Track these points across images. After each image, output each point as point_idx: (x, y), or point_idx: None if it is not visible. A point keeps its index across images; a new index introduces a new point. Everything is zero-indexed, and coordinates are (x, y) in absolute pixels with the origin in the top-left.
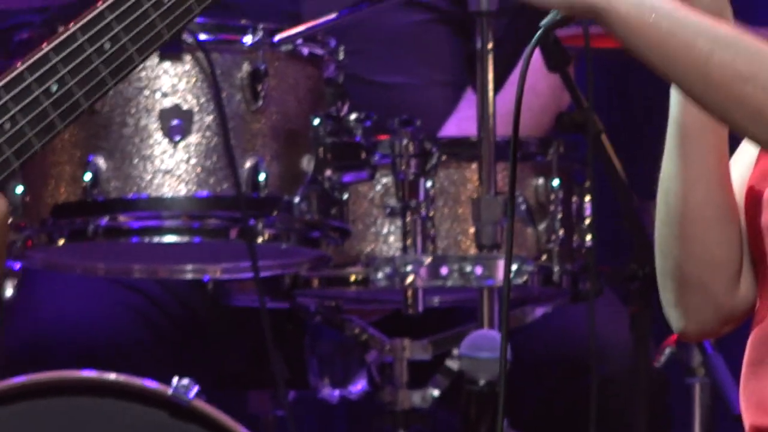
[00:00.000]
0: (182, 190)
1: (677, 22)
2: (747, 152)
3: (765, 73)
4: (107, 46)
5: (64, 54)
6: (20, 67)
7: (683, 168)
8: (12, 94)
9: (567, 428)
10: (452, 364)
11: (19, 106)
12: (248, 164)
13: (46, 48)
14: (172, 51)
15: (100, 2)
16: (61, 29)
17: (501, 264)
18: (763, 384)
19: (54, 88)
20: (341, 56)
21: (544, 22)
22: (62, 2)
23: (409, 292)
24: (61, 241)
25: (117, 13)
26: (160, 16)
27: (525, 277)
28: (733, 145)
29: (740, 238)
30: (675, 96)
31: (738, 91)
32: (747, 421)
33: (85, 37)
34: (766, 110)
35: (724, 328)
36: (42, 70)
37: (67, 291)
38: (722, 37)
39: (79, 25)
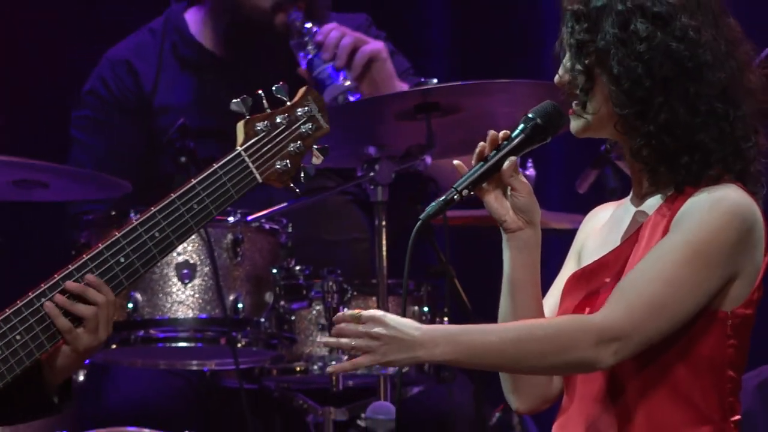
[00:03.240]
0: (190, 314)
1: (480, 358)
2: (552, 296)
3: (553, 355)
4: (195, 206)
5: (166, 212)
6: (134, 222)
7: (513, 306)
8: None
9: None
10: (361, 423)
11: (132, 247)
12: (231, 297)
13: (153, 209)
14: None
15: (173, 193)
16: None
17: None
18: None
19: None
20: (290, 229)
21: (422, 216)
22: (119, 195)
23: (333, 378)
24: (114, 346)
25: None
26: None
27: (406, 369)
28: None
29: None
30: (506, 261)
31: (541, 367)
32: None
33: (181, 201)
34: (553, 366)
35: (543, 406)
36: (149, 224)
37: (120, 377)
38: (513, 337)
39: (177, 194)
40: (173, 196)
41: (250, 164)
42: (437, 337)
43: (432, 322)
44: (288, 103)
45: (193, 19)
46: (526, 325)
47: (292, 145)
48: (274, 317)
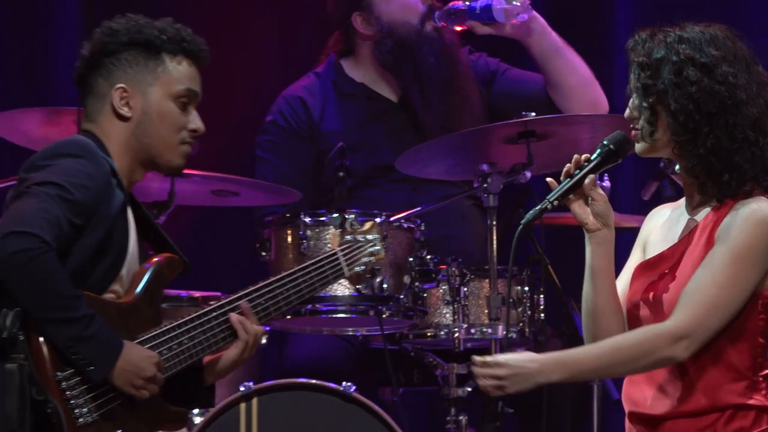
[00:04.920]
0: (347, 292)
1: (584, 372)
2: (623, 279)
3: (640, 359)
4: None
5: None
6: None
7: (593, 287)
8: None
9: (533, 407)
10: None
11: (269, 295)
12: (378, 279)
13: (284, 274)
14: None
15: (296, 266)
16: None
17: (501, 327)
18: (631, 390)
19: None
20: (423, 227)
21: (523, 220)
22: (293, 201)
23: (456, 341)
24: (288, 317)
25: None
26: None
27: (511, 334)
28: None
29: (623, 320)
30: (588, 253)
31: (632, 369)
32: (626, 408)
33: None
34: (641, 368)
35: None
36: (281, 282)
37: (293, 341)
38: (607, 355)
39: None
40: (296, 269)
41: (343, 263)
42: (550, 365)
43: (531, 297)
44: (362, 228)
45: (346, 63)
46: (615, 342)
47: (365, 257)
48: (411, 294)
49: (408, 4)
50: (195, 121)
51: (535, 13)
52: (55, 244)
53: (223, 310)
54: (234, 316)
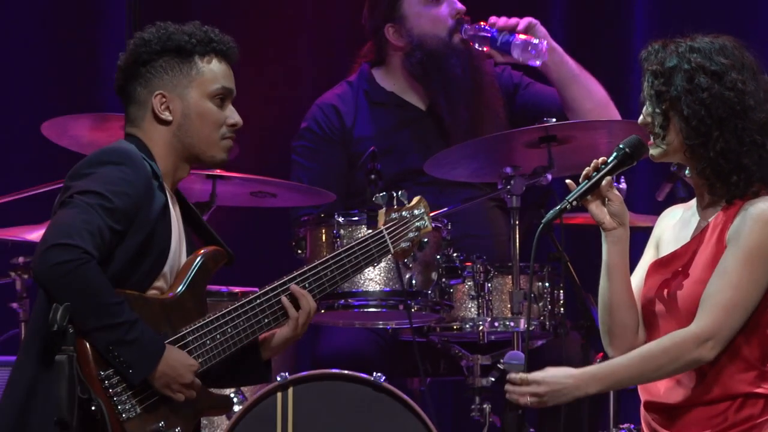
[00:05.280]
0: (377, 287)
1: (618, 383)
2: (637, 275)
3: (668, 364)
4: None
5: (337, 258)
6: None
7: (609, 283)
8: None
9: None
10: (500, 366)
11: (314, 278)
12: (407, 276)
13: (328, 256)
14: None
15: (341, 248)
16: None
17: (522, 321)
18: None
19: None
20: (449, 227)
21: (543, 220)
22: (327, 202)
23: (481, 334)
24: (323, 311)
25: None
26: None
27: (532, 327)
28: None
29: (637, 314)
30: (604, 251)
31: (662, 374)
32: (642, 397)
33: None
34: (672, 372)
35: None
36: (325, 265)
37: (326, 334)
38: (636, 365)
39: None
40: (340, 250)
41: (388, 240)
42: (586, 379)
43: (551, 293)
44: (408, 204)
45: (377, 72)
46: (643, 352)
47: (411, 233)
48: (438, 290)
49: (438, 18)
50: (233, 116)
51: (553, 44)
52: (96, 254)
53: (267, 296)
54: (284, 298)
